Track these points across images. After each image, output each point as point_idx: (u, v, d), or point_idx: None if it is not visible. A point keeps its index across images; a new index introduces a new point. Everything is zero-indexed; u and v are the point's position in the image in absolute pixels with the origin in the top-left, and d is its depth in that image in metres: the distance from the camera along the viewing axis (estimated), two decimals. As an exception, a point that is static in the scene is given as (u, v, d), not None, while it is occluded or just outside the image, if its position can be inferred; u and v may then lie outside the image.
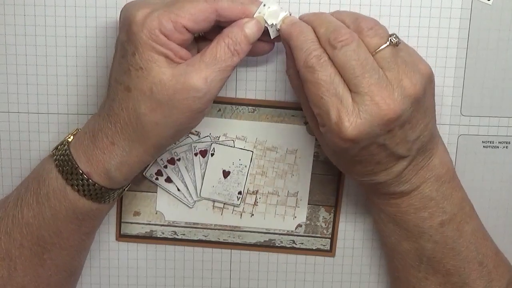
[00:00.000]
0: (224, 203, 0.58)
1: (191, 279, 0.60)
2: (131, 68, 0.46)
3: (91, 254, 0.58)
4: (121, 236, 0.59)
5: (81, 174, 0.48)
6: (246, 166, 0.57)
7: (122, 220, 0.58)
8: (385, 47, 0.46)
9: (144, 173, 0.57)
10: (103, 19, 0.54)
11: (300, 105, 0.56)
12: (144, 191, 0.58)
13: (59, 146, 0.50)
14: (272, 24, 0.49)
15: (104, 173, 0.48)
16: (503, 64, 0.55)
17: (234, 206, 0.58)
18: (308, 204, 0.58)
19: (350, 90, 0.45)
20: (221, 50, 0.46)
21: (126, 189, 0.52)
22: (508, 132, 0.57)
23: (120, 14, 0.48)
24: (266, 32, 0.50)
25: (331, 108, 0.45)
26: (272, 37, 0.50)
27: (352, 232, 0.59)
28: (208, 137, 0.57)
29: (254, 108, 0.56)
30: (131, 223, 0.58)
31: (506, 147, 0.57)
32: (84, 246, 0.53)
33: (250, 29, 0.47)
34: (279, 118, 0.56)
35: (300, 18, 0.49)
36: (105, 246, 0.59)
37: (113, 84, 0.48)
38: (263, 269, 0.60)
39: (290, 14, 0.49)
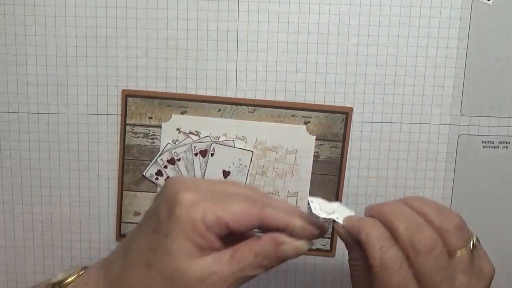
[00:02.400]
0: (224, 203, 0.58)
1: (191, 279, 0.60)
2: (158, 248, 0.43)
3: (91, 254, 0.58)
4: (121, 236, 0.59)
5: None
6: (246, 166, 0.57)
7: (122, 220, 0.58)
8: (466, 253, 0.44)
9: (144, 173, 0.57)
10: (103, 19, 0.55)
11: (300, 105, 0.56)
12: (144, 191, 0.58)
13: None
14: (324, 218, 0.47)
15: None
16: (503, 64, 0.55)
17: (234, 206, 0.58)
18: (308, 204, 0.58)
19: None
20: (248, 260, 0.43)
21: None
22: (508, 132, 0.57)
23: (165, 185, 0.45)
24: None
25: None
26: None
27: (352, 232, 0.59)
28: (208, 137, 0.57)
29: (254, 108, 0.56)
30: (131, 223, 0.58)
31: (506, 147, 0.57)
32: None
33: (286, 250, 0.44)
34: (279, 118, 0.56)
35: (370, 209, 0.45)
36: (105, 246, 0.59)
37: (134, 252, 0.44)
38: (263, 269, 0.60)
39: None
